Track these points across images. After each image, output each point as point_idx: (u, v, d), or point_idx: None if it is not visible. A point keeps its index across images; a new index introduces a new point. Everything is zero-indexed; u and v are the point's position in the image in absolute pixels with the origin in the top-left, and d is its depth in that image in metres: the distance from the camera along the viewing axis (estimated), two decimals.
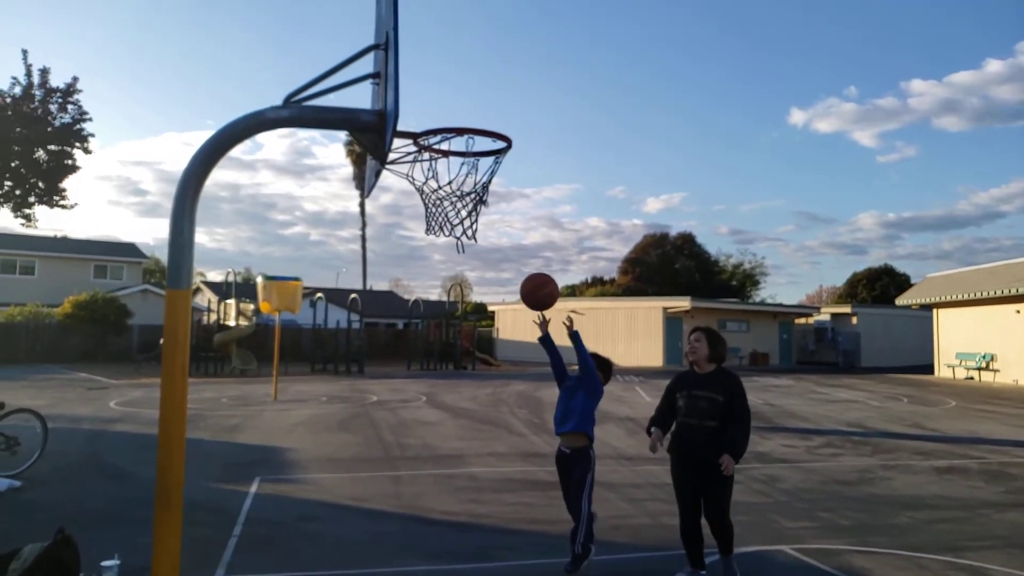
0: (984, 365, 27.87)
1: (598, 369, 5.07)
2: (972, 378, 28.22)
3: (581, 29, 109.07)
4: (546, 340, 5.10)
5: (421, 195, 4.91)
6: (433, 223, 4.79)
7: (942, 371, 30.34)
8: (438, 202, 4.93)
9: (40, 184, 17.88)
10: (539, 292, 4.98)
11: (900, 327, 40.75)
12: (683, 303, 35.22)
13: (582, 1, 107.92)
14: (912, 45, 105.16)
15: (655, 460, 7.88)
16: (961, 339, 29.52)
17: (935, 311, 31.24)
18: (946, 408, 16.98)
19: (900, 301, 33.92)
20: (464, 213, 4.81)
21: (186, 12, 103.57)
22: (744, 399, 4.52)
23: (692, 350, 4.77)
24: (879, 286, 57.79)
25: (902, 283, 55.41)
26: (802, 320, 42.97)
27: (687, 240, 61.50)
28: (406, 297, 58.19)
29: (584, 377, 4.96)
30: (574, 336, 4.84)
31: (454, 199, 4.91)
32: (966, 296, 28.01)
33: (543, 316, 5.07)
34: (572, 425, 4.92)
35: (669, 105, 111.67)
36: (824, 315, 42.44)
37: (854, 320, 40.06)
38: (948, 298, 29.20)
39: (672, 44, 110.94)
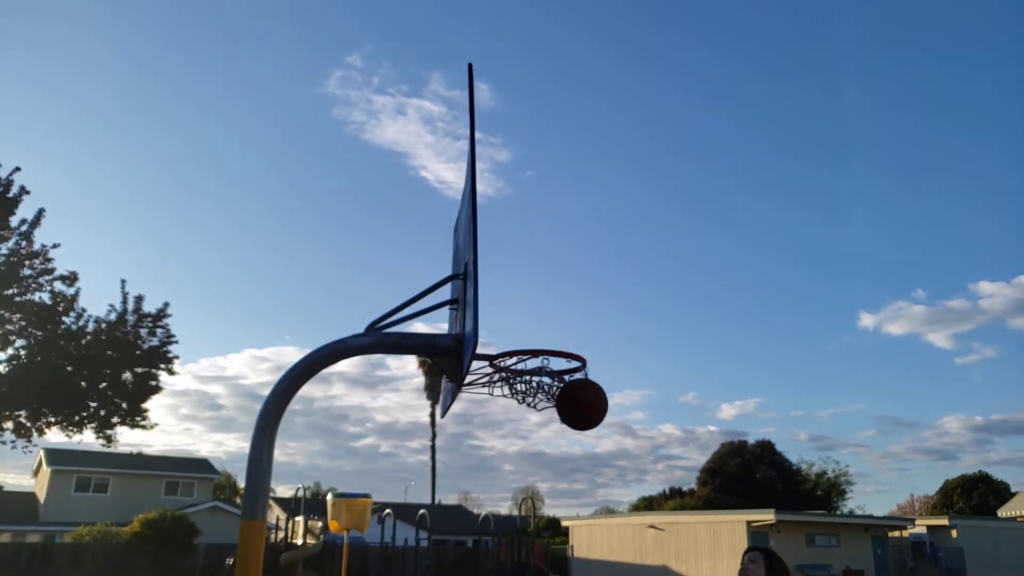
0: None
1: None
2: None
3: (647, 256, 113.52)
4: None
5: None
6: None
7: None
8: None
9: (124, 405, 18.50)
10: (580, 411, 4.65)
11: (1007, 541, 37.44)
12: (767, 516, 33.21)
13: (654, 230, 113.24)
14: (976, 248, 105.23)
15: None
16: None
17: None
18: None
19: (1004, 512, 31.35)
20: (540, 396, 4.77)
21: (265, 238, 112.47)
22: None
23: (745, 572, 3.79)
24: (976, 495, 54.36)
25: (1001, 492, 52.24)
26: (896, 533, 39.92)
27: (766, 448, 59.52)
28: (475, 511, 56.50)
29: None
30: None
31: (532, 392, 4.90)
32: None
33: None
34: None
35: (736, 313, 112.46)
36: (919, 527, 39.43)
37: (954, 533, 37.03)
38: None
39: (725, 255, 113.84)
